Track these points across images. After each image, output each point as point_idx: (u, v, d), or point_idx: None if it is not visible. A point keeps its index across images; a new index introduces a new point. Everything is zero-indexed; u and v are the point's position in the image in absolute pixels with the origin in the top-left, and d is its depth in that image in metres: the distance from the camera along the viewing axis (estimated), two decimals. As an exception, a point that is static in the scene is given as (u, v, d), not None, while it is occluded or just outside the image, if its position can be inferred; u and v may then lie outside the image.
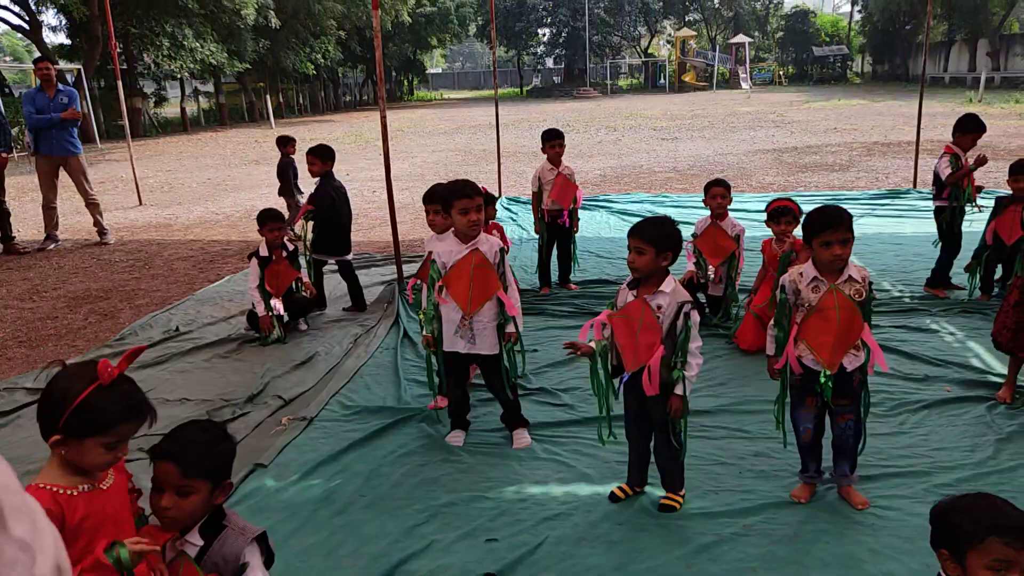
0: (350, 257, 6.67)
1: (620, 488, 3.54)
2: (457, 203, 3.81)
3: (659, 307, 3.17)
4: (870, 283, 3.28)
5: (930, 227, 7.07)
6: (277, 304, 6.05)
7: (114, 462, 1.90)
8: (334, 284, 7.20)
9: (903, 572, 2.86)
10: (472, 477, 3.79)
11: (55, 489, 1.86)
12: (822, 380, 3.23)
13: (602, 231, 9.78)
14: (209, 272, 8.27)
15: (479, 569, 3.01)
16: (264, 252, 6.00)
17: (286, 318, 6.11)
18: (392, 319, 6.33)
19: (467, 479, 3.77)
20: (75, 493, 1.88)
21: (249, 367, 5.45)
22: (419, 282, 4.44)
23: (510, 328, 4.00)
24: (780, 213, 5.26)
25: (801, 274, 3.31)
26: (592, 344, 3.33)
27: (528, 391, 4.76)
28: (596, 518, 3.37)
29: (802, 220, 3.34)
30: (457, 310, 3.92)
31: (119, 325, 6.48)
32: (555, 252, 7.08)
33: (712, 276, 5.81)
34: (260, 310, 5.91)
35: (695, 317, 3.18)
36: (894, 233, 8.71)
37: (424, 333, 4.02)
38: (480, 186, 4.03)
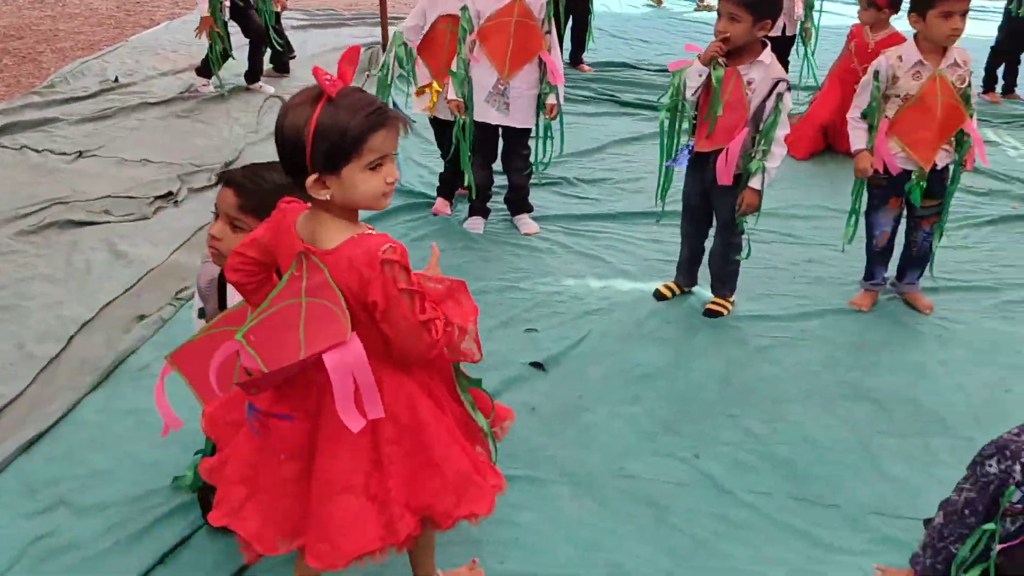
0: None
1: (666, 286, 3.65)
2: None
3: (750, 82, 3.10)
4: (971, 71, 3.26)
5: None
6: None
7: (392, 188, 1.69)
8: (302, 39, 6.87)
9: (975, 385, 3.08)
10: (499, 266, 3.85)
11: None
12: (913, 180, 3.28)
13: (612, 6, 9.40)
14: (140, 16, 7.77)
15: (522, 358, 3.14)
16: None
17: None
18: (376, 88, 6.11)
19: (494, 268, 3.83)
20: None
21: (216, 131, 5.28)
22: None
23: (552, 99, 3.90)
24: None
25: (900, 57, 3.25)
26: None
27: (551, 180, 4.75)
28: (642, 315, 3.50)
29: None
30: (492, 72, 3.78)
31: (43, 71, 6.13)
32: (568, 24, 6.79)
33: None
34: (203, 7, 5.52)
35: (787, 100, 3.14)
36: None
37: (451, 97, 3.86)
38: None
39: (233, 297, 2.08)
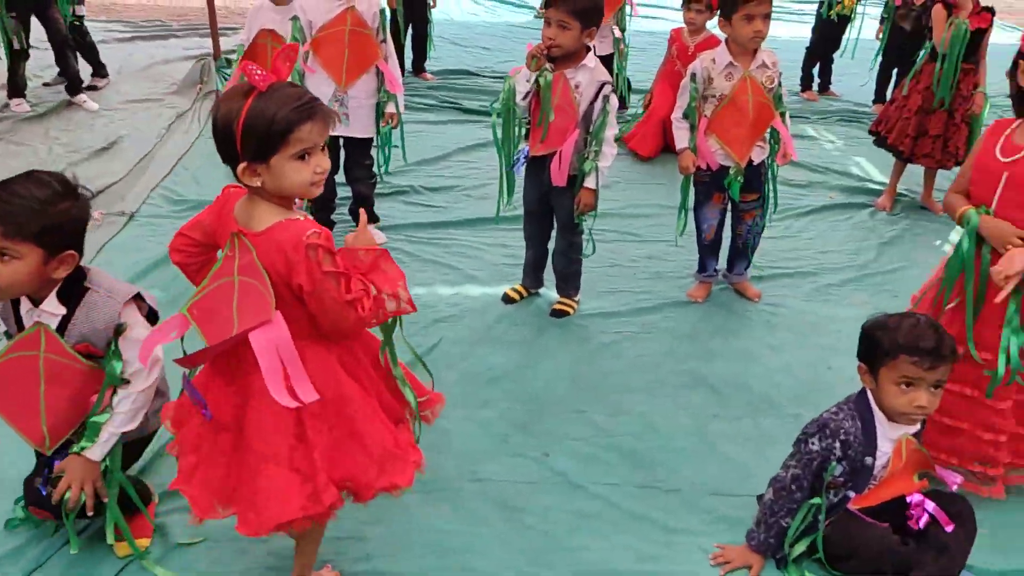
0: None
1: (514, 289, 3.72)
2: None
3: (577, 86, 3.21)
4: (780, 72, 3.51)
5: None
6: None
7: (321, 177, 1.79)
8: (128, 51, 6.53)
9: (799, 364, 3.32)
10: (346, 279, 3.81)
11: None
12: (731, 175, 3.50)
13: (454, 15, 9.49)
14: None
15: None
16: None
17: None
18: (212, 102, 5.92)
19: (340, 281, 3.78)
20: None
21: (32, 151, 4.96)
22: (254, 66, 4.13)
23: (391, 108, 3.90)
24: None
25: (714, 60, 3.47)
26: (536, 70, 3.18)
27: (397, 190, 4.74)
28: (491, 319, 3.55)
29: None
30: (328, 82, 3.73)
31: None
32: (409, 34, 6.80)
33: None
34: None
35: (614, 101, 3.27)
36: (770, 36, 9.16)
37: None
38: None
39: (28, 318, 2.04)
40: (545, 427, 2.90)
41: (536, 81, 3.15)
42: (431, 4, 6.80)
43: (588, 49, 3.22)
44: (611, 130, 3.25)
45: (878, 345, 2.17)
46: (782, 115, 3.49)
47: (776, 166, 3.57)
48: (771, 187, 3.67)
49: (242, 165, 1.74)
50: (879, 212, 4.82)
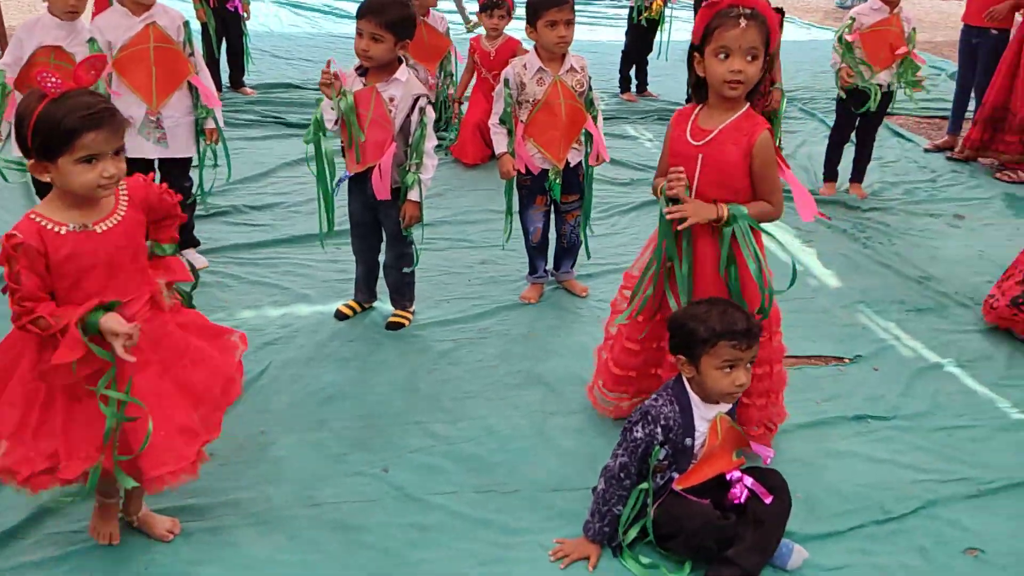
0: None
1: (347, 305, 3.66)
2: None
3: (392, 99, 3.20)
4: (589, 76, 3.66)
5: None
6: None
7: (109, 182, 1.96)
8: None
9: (629, 354, 3.45)
10: (165, 308, 3.62)
11: (43, 223, 1.96)
12: (551, 178, 3.60)
13: (273, 26, 9.25)
14: None
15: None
16: None
17: None
18: None
19: (159, 310, 3.59)
20: (63, 231, 1.96)
21: None
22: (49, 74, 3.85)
23: (210, 123, 3.75)
24: (493, 5, 5.45)
25: (525, 66, 3.56)
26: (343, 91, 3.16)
27: (218, 211, 4.57)
28: (324, 338, 3.48)
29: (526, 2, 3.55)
30: (139, 104, 3.55)
31: None
32: (224, 47, 6.56)
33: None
34: None
35: (431, 113, 3.28)
36: (590, 40, 9.51)
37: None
38: None
39: None
40: (384, 442, 2.86)
41: (339, 106, 3.12)
42: (244, 16, 6.59)
43: (401, 62, 3.22)
44: (430, 142, 3.26)
45: (694, 335, 2.29)
46: (594, 118, 3.62)
47: (592, 167, 3.69)
48: (589, 190, 3.79)
49: (31, 161, 1.96)
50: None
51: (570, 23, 3.43)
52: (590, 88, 3.62)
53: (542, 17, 3.39)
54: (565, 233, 3.81)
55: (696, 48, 2.52)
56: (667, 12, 7.10)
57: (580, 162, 3.67)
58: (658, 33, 7.23)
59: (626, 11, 7.52)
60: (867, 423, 3.07)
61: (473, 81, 5.74)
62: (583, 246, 3.92)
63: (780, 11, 4.81)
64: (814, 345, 3.59)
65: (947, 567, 2.41)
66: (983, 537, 2.52)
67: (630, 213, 4.94)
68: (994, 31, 5.83)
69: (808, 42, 10.30)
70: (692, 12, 7.10)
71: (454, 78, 5.82)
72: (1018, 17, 5.92)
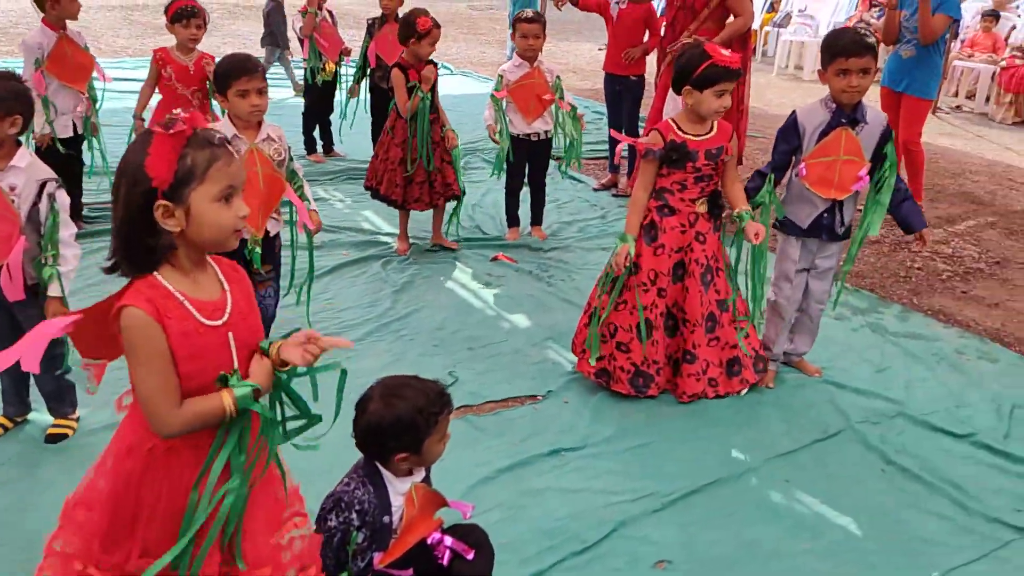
0: None
1: (-6, 422, 3.18)
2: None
3: (12, 188, 2.83)
4: (288, 146, 3.62)
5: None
6: None
7: None
8: None
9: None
10: None
11: None
12: (249, 247, 3.47)
13: None
14: None
15: None
16: None
17: None
18: None
19: None
20: None
21: None
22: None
23: None
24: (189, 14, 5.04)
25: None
26: None
27: None
28: (-34, 466, 2.99)
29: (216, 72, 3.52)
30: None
31: None
32: None
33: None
34: None
35: (63, 199, 2.94)
36: (272, 101, 9.26)
37: None
38: None
39: None
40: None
41: None
42: None
43: (19, 144, 2.87)
44: (66, 230, 2.92)
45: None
46: (299, 188, 3.64)
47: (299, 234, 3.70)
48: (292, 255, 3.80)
49: None
50: (392, 261, 5.10)
51: (262, 92, 3.42)
52: (290, 158, 3.61)
53: (231, 87, 3.37)
54: (262, 303, 3.65)
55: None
56: (342, 71, 7.14)
57: (278, 232, 3.64)
58: (335, 93, 7.23)
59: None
60: (562, 456, 3.21)
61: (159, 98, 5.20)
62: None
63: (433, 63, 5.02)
64: (510, 387, 3.70)
65: (641, 584, 2.56)
66: (670, 548, 2.71)
67: (324, 278, 4.78)
68: (632, 77, 6.50)
69: (485, 96, 10.82)
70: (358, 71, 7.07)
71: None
72: (650, 60, 6.57)
